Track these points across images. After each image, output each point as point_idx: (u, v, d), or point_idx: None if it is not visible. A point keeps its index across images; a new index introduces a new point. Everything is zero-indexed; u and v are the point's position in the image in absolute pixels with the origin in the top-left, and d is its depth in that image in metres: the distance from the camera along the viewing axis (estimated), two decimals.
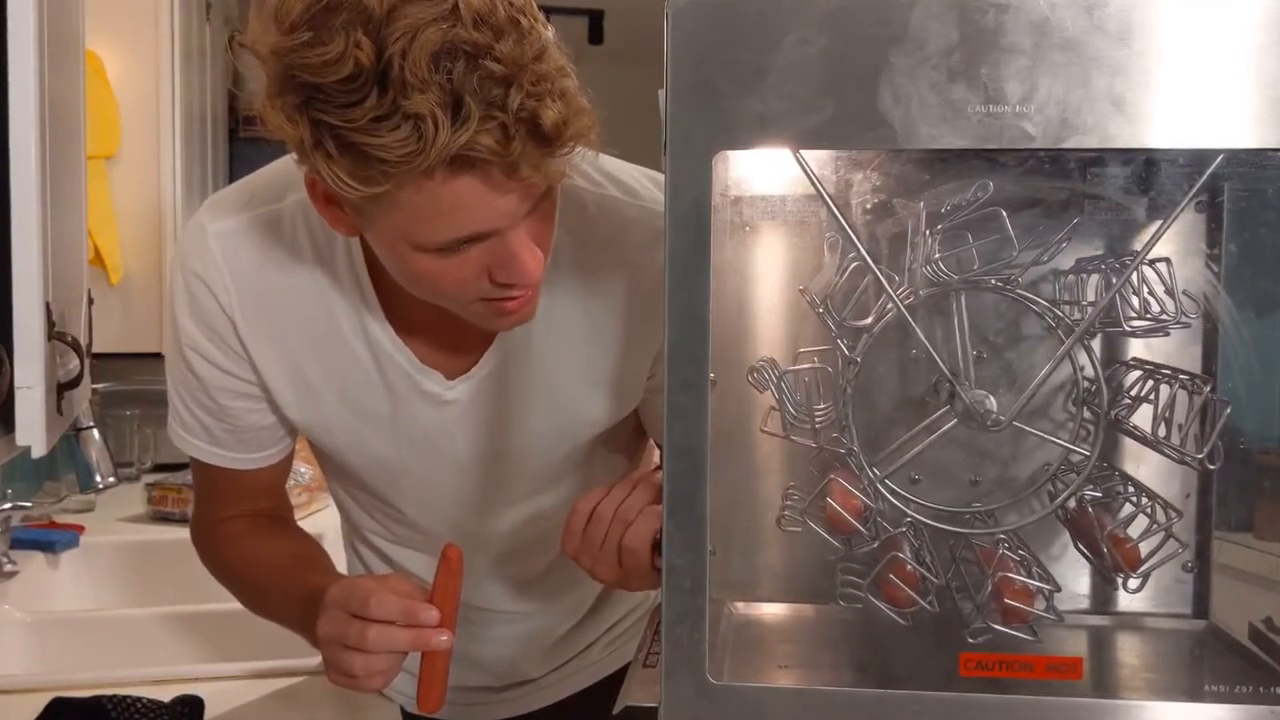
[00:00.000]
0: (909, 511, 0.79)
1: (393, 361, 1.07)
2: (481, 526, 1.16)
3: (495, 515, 1.16)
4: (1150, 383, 0.79)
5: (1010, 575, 0.76)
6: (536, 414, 1.09)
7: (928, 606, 0.75)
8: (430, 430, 1.10)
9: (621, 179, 1.08)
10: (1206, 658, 0.83)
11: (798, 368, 0.82)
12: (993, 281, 0.77)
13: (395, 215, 0.87)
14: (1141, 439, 0.79)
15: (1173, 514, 0.78)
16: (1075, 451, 0.79)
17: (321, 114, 0.82)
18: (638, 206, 1.06)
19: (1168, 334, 0.79)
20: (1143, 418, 0.80)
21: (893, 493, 0.79)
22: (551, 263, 1.02)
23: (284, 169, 1.07)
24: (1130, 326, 0.77)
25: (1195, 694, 0.79)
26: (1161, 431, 0.77)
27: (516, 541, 1.18)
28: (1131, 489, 0.80)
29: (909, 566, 0.76)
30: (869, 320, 0.78)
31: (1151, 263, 0.77)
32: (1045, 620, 0.76)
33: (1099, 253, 0.81)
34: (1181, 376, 0.78)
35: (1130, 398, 0.80)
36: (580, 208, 1.05)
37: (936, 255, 0.76)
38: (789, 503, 0.82)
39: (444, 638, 0.96)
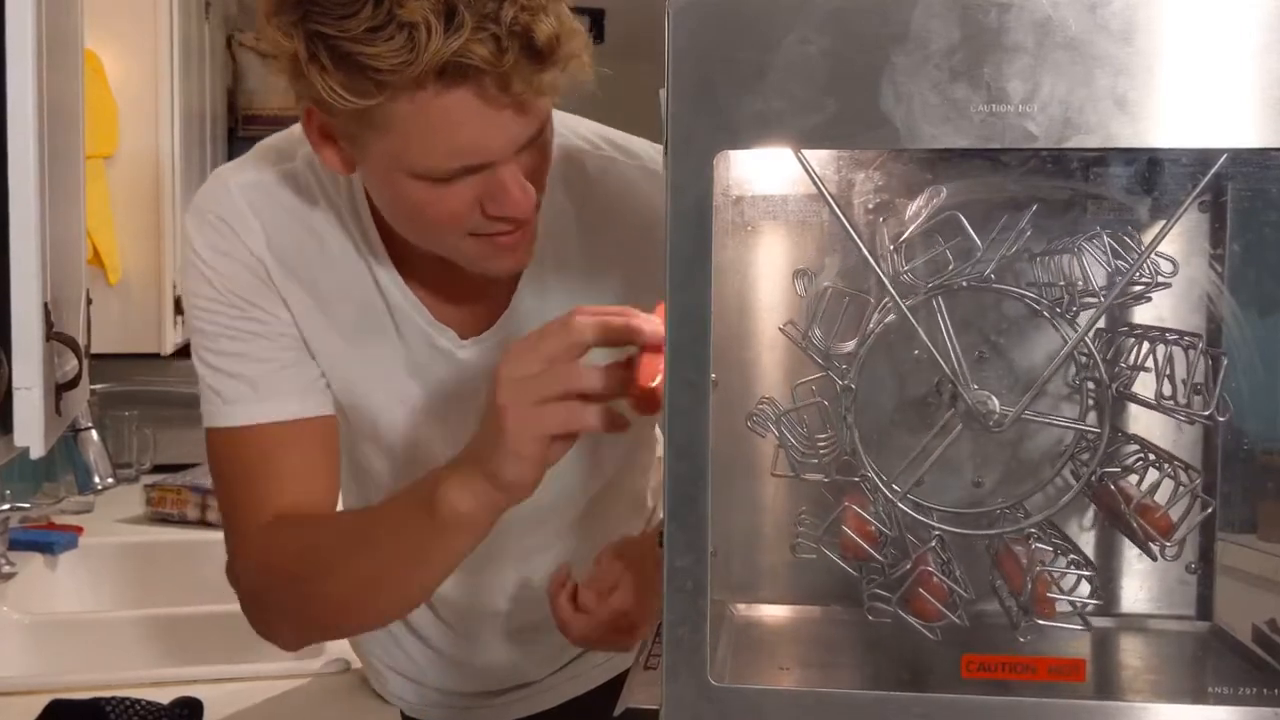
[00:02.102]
0: (935, 524, 0.79)
1: (408, 317, 1.08)
2: None
3: None
4: (1146, 345, 0.79)
5: (1046, 569, 0.75)
6: None
7: (957, 621, 0.74)
8: (446, 388, 1.10)
9: (619, 142, 1.10)
10: (1210, 659, 0.83)
11: (797, 406, 0.81)
12: (964, 284, 0.76)
13: (389, 138, 0.88)
14: (1145, 403, 0.78)
15: (1193, 474, 0.77)
16: (1087, 430, 0.79)
17: (318, 25, 0.84)
18: (639, 168, 1.08)
19: (1149, 299, 0.78)
20: (1144, 388, 0.79)
21: (915, 506, 0.79)
22: (559, 226, 1.05)
23: (290, 134, 1.09)
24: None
25: (1198, 696, 0.78)
26: (1166, 389, 0.76)
27: (524, 526, 1.18)
28: (1153, 456, 0.79)
29: (936, 579, 0.75)
30: (852, 345, 0.77)
31: (1115, 233, 0.76)
32: (1091, 604, 0.76)
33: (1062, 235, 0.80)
34: (1169, 335, 0.77)
35: (1128, 366, 0.80)
36: (580, 169, 1.07)
37: (905, 267, 0.75)
38: (801, 528, 0.82)
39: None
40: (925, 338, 0.75)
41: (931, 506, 0.80)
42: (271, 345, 1.07)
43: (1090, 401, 0.80)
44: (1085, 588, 0.78)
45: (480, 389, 1.10)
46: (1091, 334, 0.77)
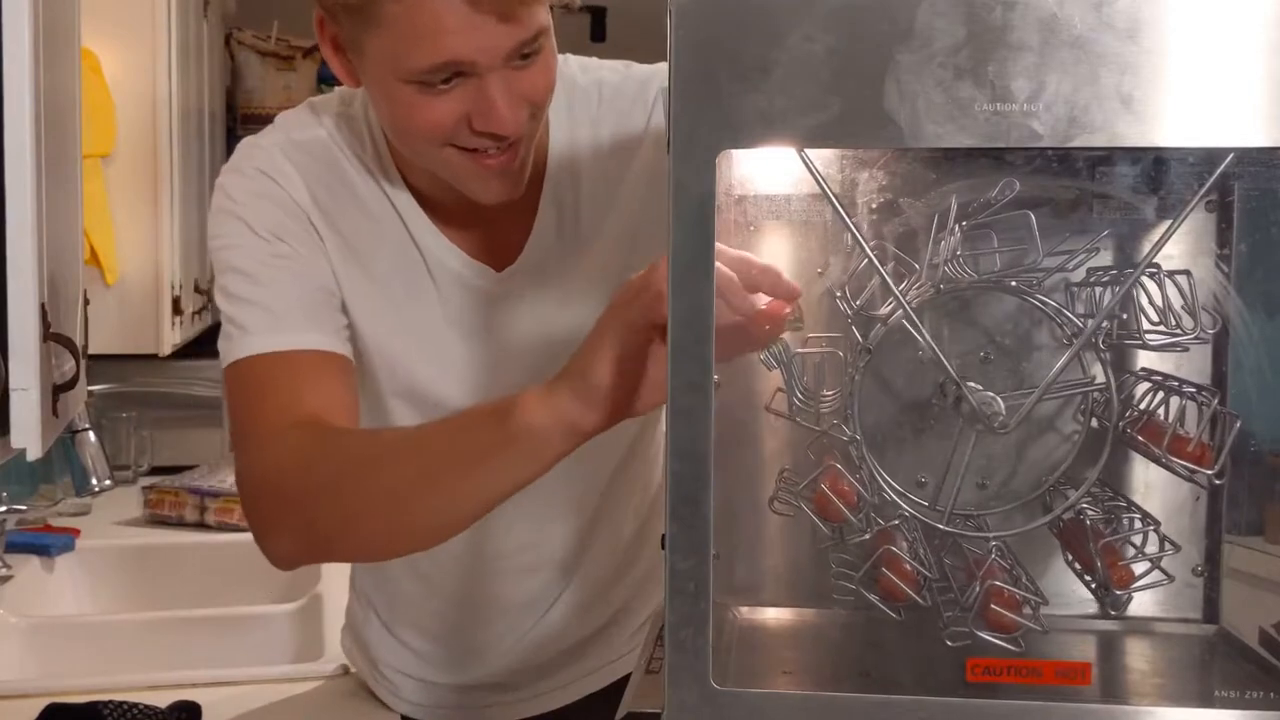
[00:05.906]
0: (993, 536, 0.78)
1: (441, 262, 1.11)
2: None
3: None
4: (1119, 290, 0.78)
5: (1114, 549, 0.75)
6: (586, 297, 1.10)
7: (1035, 628, 0.73)
8: (482, 329, 1.12)
9: (601, 62, 1.15)
10: (1217, 663, 0.82)
11: (818, 472, 0.80)
12: (929, 292, 0.76)
13: (381, 38, 0.93)
14: (1134, 344, 0.78)
15: (1207, 394, 0.76)
16: (1093, 389, 0.78)
17: None
18: (624, 74, 1.13)
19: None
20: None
21: (963, 524, 0.79)
22: (569, 144, 1.10)
23: (311, 104, 1.15)
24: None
25: (1205, 700, 0.78)
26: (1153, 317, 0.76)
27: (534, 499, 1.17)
28: (1174, 385, 0.79)
29: (1007, 592, 0.74)
30: (836, 398, 0.77)
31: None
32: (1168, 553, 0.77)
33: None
34: (1127, 273, 0.76)
35: (1106, 315, 0.79)
36: (570, 84, 1.11)
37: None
38: (839, 569, 0.81)
39: None
40: (930, 340, 0.75)
41: (982, 514, 0.80)
42: (297, 280, 1.07)
43: (1091, 343, 0.78)
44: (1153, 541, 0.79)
45: (514, 314, 1.12)
46: (1065, 292, 0.78)
